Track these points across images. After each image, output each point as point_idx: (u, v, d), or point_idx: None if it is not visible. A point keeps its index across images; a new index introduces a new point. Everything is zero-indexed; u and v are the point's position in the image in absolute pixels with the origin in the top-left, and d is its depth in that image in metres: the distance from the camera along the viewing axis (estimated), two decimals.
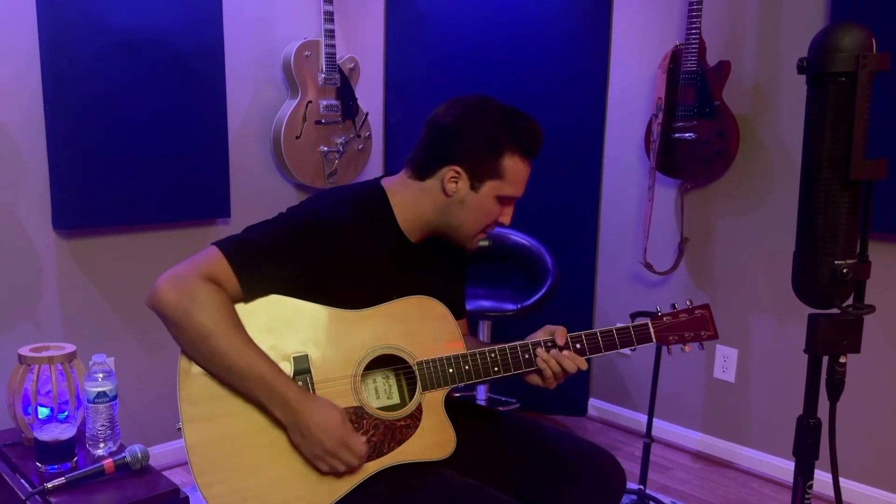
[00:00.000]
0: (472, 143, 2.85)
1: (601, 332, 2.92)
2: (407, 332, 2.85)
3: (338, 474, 2.67)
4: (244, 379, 2.62)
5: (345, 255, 2.81)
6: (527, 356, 2.88)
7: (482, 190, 2.85)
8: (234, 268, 2.69)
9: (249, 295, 2.74)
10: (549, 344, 2.89)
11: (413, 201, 2.95)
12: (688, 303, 3.02)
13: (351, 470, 2.68)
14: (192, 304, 2.61)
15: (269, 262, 2.74)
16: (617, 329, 2.93)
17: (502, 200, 2.90)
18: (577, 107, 5.88)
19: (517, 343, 2.90)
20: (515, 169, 2.86)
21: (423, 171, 2.93)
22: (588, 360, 2.97)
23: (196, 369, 2.67)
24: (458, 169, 2.84)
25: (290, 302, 2.78)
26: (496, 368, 2.88)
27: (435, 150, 2.91)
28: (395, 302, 2.86)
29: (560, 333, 2.90)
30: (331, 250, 2.79)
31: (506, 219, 2.95)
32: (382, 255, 2.90)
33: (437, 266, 3.11)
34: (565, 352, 2.88)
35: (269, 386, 2.61)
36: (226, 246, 2.73)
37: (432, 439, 2.81)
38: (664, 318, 2.98)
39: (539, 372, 2.89)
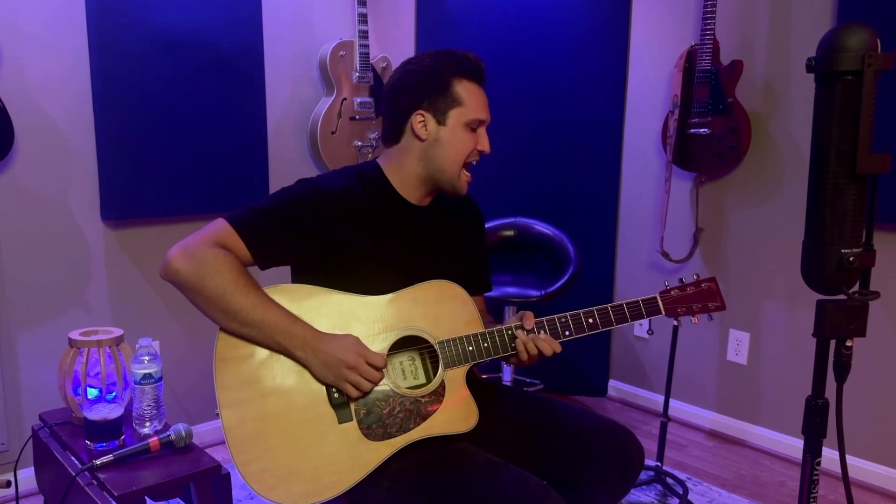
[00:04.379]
0: (420, 84, 2.91)
1: (612, 307, 2.94)
2: (428, 315, 2.87)
3: (363, 390, 2.72)
4: (262, 329, 2.67)
5: (349, 220, 2.84)
6: (543, 333, 2.90)
7: (449, 121, 2.89)
8: (239, 232, 2.74)
9: (258, 257, 2.79)
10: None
11: (399, 164, 2.98)
12: (695, 276, 3.03)
13: (375, 443, 2.71)
14: (203, 268, 2.66)
15: (273, 223, 2.79)
16: (627, 303, 2.95)
17: (472, 127, 2.92)
18: (597, 104, 5.87)
19: (544, 319, 2.91)
20: (469, 91, 2.90)
21: (395, 135, 2.98)
22: (604, 335, 2.98)
23: (230, 357, 2.71)
24: (421, 112, 2.89)
25: (318, 290, 2.81)
26: (513, 345, 2.90)
27: (395, 110, 2.97)
28: (415, 286, 2.88)
29: (528, 318, 2.92)
30: (333, 212, 2.83)
31: (484, 145, 2.96)
32: (388, 221, 2.94)
33: (447, 229, 3.14)
34: (542, 334, 2.91)
35: (286, 330, 2.67)
36: (230, 214, 2.79)
37: (456, 413, 2.82)
38: (672, 292, 3.00)
39: (517, 354, 2.93)
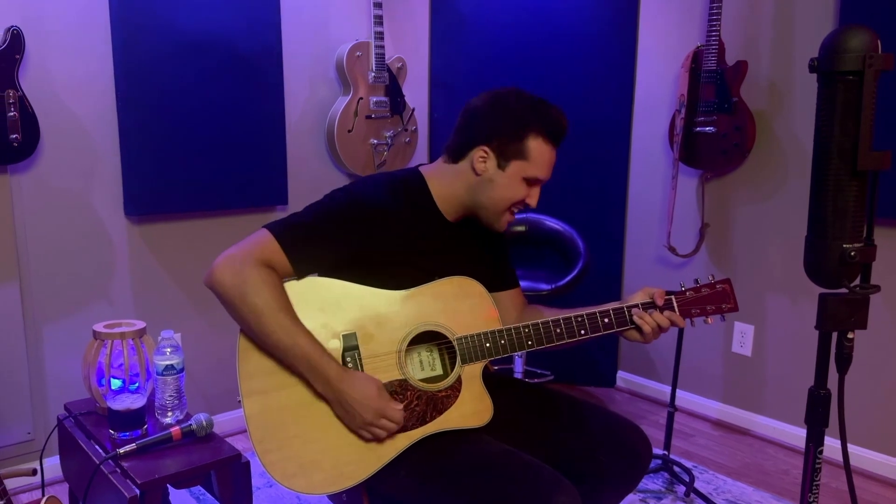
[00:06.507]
0: (499, 124, 2.85)
1: (628, 307, 2.89)
2: (447, 310, 2.86)
3: (380, 441, 2.70)
4: (289, 356, 2.65)
5: (386, 233, 2.82)
6: (558, 330, 2.87)
7: (508, 170, 2.84)
8: (283, 247, 2.72)
9: (300, 271, 2.77)
10: (579, 318, 2.89)
11: (448, 183, 2.95)
12: (710, 277, 2.98)
13: (392, 436, 2.72)
14: (245, 286, 2.64)
15: (315, 239, 2.78)
16: (643, 304, 2.90)
17: (528, 182, 2.88)
18: (606, 103, 5.88)
19: (550, 319, 2.89)
20: (540, 151, 2.85)
21: (456, 154, 2.94)
22: (618, 336, 2.97)
23: (253, 347, 2.71)
24: (486, 149, 2.85)
25: (340, 284, 2.80)
26: (529, 342, 2.87)
27: (466, 132, 2.92)
28: (436, 282, 2.87)
29: (659, 294, 2.91)
30: (372, 228, 2.81)
31: (532, 200, 2.92)
32: (422, 234, 2.92)
33: (476, 243, 3.11)
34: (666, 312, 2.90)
35: (312, 363, 2.64)
36: (275, 228, 2.77)
37: (471, 408, 2.82)
38: (687, 293, 2.94)
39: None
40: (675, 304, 2.92)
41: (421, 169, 3.05)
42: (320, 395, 2.70)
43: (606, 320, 2.89)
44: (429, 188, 2.98)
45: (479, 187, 2.89)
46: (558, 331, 2.88)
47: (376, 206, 2.85)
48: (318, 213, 2.84)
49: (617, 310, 2.89)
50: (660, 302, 2.89)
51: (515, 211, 2.95)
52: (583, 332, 2.89)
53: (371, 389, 2.67)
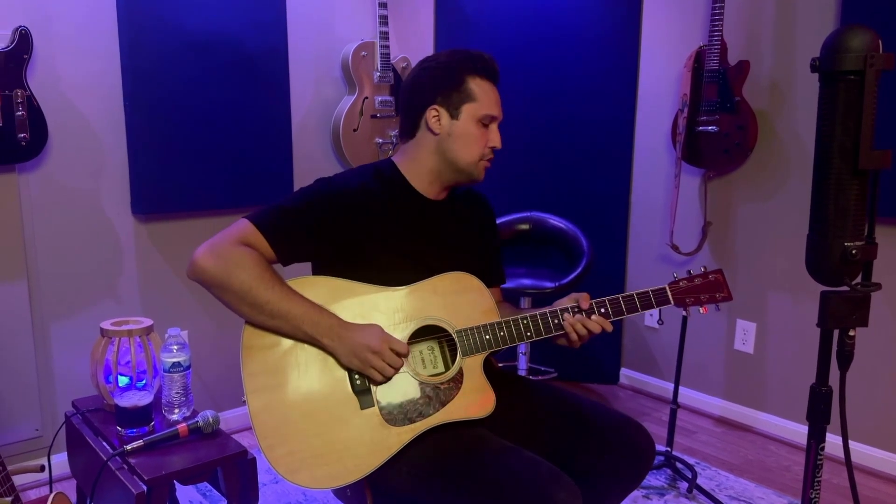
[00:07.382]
0: (435, 81, 2.95)
1: (623, 297, 2.94)
2: (447, 305, 2.89)
3: (389, 379, 2.76)
4: (289, 320, 2.69)
5: (367, 215, 2.88)
6: (556, 321, 2.90)
7: (462, 116, 2.92)
8: (262, 231, 2.77)
9: (282, 254, 2.82)
10: (576, 309, 2.91)
11: (415, 158, 3.02)
12: (702, 269, 3.02)
13: (395, 428, 2.73)
14: (229, 265, 2.69)
15: (293, 220, 2.82)
16: (637, 293, 2.94)
17: (484, 122, 2.94)
18: (609, 102, 5.87)
19: (546, 309, 2.93)
20: (483, 88, 2.94)
21: (411, 129, 3.02)
22: (615, 324, 2.99)
23: (256, 345, 2.74)
24: (436, 107, 2.93)
25: (340, 281, 2.83)
26: (528, 333, 2.90)
27: (410, 106, 3.01)
28: (434, 278, 2.90)
29: (584, 299, 2.93)
30: (351, 210, 2.85)
31: (495, 141, 2.98)
32: (403, 214, 2.97)
33: (462, 225, 3.16)
34: (593, 316, 2.91)
35: (312, 319, 2.70)
36: (253, 214, 2.82)
37: (474, 399, 2.83)
38: (681, 283, 3.00)
39: (566, 335, 2.92)
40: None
41: (392, 157, 3.11)
42: (325, 392, 2.72)
43: (556, 321, 2.94)
44: (400, 171, 3.04)
45: (443, 145, 2.95)
46: (556, 321, 2.92)
47: (353, 187, 2.91)
48: (296, 197, 2.89)
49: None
50: (585, 306, 2.94)
51: (487, 158, 3.01)
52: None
53: (373, 328, 2.76)
